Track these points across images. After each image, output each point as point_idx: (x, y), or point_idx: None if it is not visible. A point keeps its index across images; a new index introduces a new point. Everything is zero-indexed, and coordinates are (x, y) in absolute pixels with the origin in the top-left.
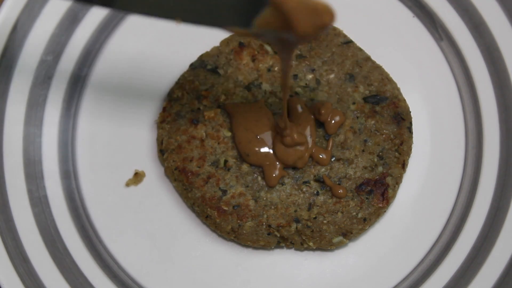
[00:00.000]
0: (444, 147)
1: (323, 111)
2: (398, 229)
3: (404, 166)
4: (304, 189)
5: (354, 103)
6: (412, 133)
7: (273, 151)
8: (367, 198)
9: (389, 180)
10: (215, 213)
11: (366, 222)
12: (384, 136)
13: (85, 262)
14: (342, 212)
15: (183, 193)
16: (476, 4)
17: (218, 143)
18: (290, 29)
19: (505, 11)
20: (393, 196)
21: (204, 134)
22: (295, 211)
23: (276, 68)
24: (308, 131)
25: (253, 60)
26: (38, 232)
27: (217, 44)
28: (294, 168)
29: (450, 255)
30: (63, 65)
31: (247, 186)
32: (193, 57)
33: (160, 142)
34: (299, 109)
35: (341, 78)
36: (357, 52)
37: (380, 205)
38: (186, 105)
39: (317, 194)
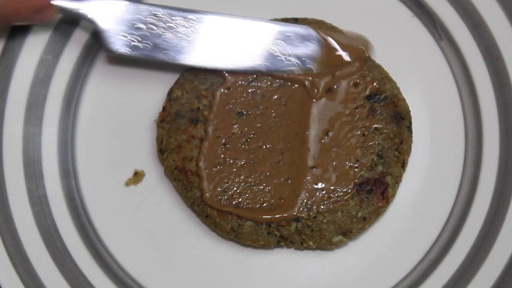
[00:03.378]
0: (444, 147)
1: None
2: (398, 228)
3: (403, 165)
4: None
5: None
6: (411, 132)
7: None
8: (367, 197)
9: (389, 179)
10: (215, 213)
11: (366, 221)
12: (383, 135)
13: (85, 261)
14: (342, 211)
15: (183, 192)
16: (476, 3)
17: None
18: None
19: (505, 10)
20: (393, 195)
21: (203, 133)
22: None
23: None
24: None
25: None
26: (38, 231)
27: None
28: None
29: (450, 254)
30: (62, 64)
31: None
32: None
33: (159, 141)
34: None
35: None
36: None
37: (380, 204)
38: (186, 104)
39: None
